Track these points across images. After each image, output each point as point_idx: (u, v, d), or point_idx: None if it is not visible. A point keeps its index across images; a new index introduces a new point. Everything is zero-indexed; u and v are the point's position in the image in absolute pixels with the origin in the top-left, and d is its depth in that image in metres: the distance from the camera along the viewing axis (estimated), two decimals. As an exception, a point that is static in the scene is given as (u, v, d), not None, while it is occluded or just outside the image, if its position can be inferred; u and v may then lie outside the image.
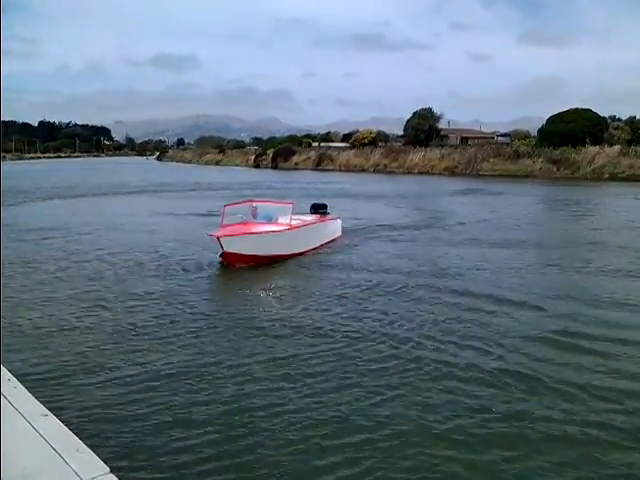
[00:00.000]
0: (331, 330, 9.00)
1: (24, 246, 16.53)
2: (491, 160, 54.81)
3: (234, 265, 13.40)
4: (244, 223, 14.56)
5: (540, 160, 51.61)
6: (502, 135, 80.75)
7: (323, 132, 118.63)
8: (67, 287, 11.74)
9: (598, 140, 53.52)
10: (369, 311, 10.04)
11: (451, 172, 56.26)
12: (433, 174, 56.64)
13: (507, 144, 60.35)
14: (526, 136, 68.19)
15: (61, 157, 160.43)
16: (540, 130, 60.49)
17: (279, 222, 15.06)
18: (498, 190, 37.44)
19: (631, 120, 64.47)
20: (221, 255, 13.46)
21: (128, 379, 7.27)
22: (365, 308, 10.25)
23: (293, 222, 15.27)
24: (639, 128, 62.11)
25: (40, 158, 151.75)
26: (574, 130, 54.52)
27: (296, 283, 12.61)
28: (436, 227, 20.94)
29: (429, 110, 78.60)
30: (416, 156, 60.85)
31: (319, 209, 18.25)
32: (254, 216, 15.01)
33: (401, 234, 19.17)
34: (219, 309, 10.50)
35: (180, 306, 10.37)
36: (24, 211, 25.99)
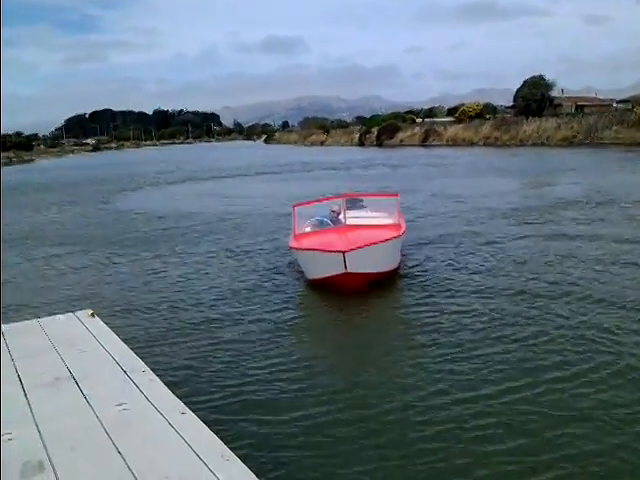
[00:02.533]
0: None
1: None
2: (614, 128, 50.08)
3: (350, 290, 9.06)
4: (337, 228, 10.59)
5: (669, 126, 46.46)
6: (621, 101, 74.24)
7: (426, 107, 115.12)
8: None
9: None
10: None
11: (569, 142, 52.01)
12: (549, 145, 52.64)
13: (629, 110, 54.89)
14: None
15: (175, 143, 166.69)
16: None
17: (382, 221, 11.15)
18: None
19: None
20: (320, 279, 9.54)
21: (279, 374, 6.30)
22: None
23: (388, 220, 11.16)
24: None
25: (156, 145, 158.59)
26: None
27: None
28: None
29: (540, 78, 73.36)
30: (529, 127, 56.81)
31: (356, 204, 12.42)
32: (335, 220, 11.03)
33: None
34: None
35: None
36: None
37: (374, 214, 11.73)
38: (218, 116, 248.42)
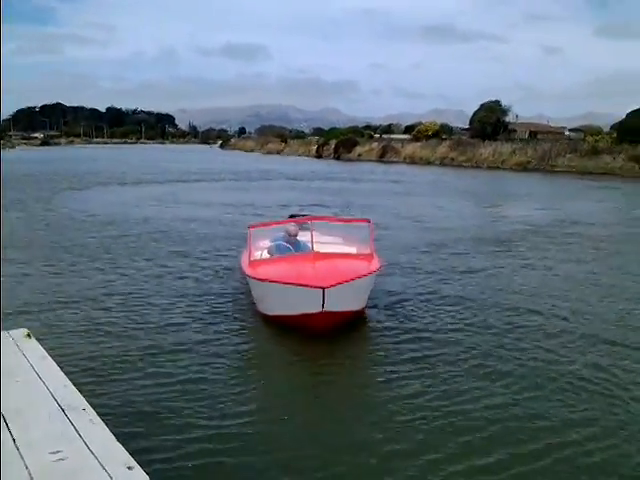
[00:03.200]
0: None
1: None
2: (567, 156, 51.00)
3: (324, 332, 7.55)
4: (303, 256, 8.70)
5: (621, 157, 47.50)
6: (573, 130, 76.23)
7: (384, 124, 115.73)
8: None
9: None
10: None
11: (523, 167, 52.67)
12: (504, 169, 53.18)
13: (582, 139, 56.07)
14: (598, 132, 63.65)
15: (127, 142, 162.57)
16: (619, 125, 56.02)
17: (353, 250, 9.68)
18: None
19: None
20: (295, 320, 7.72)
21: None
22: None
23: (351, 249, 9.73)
24: None
25: (107, 143, 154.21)
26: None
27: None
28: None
29: (496, 102, 74.61)
30: (486, 150, 57.40)
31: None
32: (293, 244, 9.27)
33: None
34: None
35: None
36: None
37: (343, 241, 10.18)
38: (173, 118, 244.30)
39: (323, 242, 9.21)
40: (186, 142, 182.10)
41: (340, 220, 11.74)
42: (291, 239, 9.27)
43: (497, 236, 16.79)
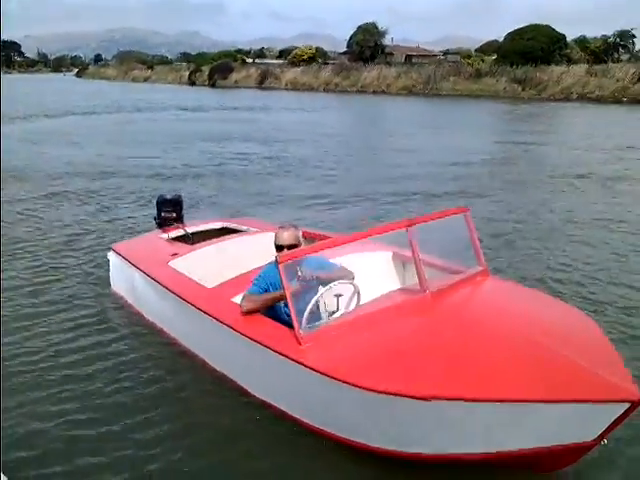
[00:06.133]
0: None
1: None
2: (451, 79, 49.75)
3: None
4: (411, 300, 4.17)
5: (504, 79, 46.97)
6: (445, 53, 75.49)
7: (256, 48, 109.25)
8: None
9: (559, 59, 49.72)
10: None
11: (409, 91, 50.87)
12: (389, 94, 51.09)
13: (463, 63, 55.06)
14: (468, 55, 63.15)
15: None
16: (499, 47, 55.70)
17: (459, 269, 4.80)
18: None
19: (580, 39, 60.64)
20: None
21: None
22: None
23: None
24: (587, 47, 58.33)
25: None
26: (534, 47, 50.13)
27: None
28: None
29: (374, 25, 71.80)
30: (370, 74, 54.78)
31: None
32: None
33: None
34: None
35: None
36: None
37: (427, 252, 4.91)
38: (19, 45, 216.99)
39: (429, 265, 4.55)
40: (36, 71, 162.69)
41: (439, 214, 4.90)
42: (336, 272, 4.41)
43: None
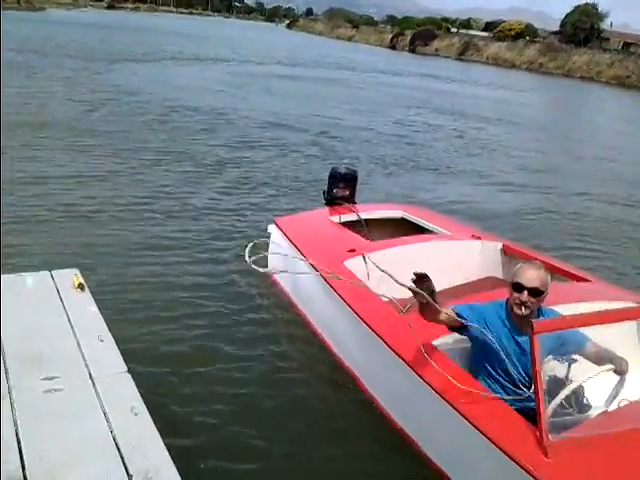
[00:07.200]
0: None
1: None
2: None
3: None
4: None
5: None
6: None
7: (462, 18, 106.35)
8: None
9: None
10: None
11: (620, 82, 46.83)
12: (598, 81, 47.47)
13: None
14: None
15: (193, 13, 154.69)
16: None
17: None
18: None
19: None
20: None
21: None
22: None
23: None
24: None
25: (172, 12, 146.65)
26: None
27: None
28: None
29: (593, 6, 66.28)
30: (581, 58, 51.18)
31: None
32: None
33: None
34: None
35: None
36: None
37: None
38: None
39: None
40: (251, 19, 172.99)
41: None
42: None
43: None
